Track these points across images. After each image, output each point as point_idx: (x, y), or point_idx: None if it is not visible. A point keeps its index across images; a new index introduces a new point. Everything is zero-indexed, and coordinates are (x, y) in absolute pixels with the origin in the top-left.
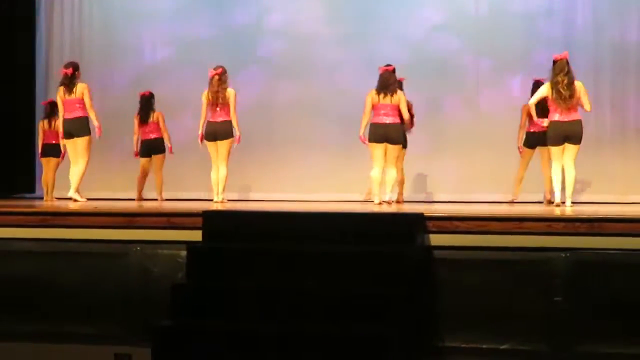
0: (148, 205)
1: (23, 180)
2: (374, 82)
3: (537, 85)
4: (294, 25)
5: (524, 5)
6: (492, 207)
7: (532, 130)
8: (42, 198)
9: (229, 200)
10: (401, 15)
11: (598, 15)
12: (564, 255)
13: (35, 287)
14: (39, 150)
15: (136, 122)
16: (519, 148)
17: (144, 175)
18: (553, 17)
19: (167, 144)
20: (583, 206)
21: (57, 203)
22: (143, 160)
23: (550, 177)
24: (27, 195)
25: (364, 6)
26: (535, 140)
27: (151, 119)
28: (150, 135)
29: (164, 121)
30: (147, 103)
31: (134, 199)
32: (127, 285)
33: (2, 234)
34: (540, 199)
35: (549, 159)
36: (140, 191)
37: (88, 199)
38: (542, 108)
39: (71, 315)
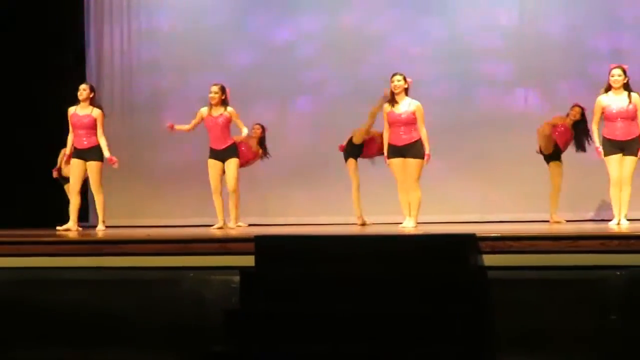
0: (200, 232)
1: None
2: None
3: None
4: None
5: (565, 23)
6: (544, 226)
7: None
8: (95, 226)
9: (282, 224)
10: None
11: None
12: (618, 273)
13: (87, 315)
14: None
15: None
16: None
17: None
18: (597, 31)
19: None
20: (638, 223)
21: (109, 231)
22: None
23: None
24: (80, 223)
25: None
26: None
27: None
28: None
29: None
30: None
31: (184, 226)
32: (181, 311)
33: (54, 264)
34: (593, 217)
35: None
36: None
37: (140, 227)
38: None
39: (124, 343)
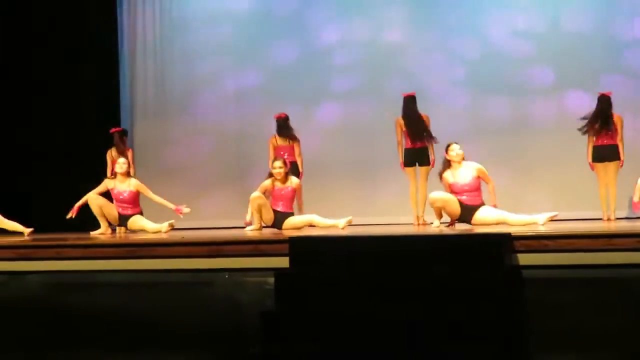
0: (234, 234)
1: None
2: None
3: (601, 99)
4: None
5: (594, 17)
6: (580, 225)
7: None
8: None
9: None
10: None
11: None
12: None
13: (122, 318)
14: None
15: (271, 146)
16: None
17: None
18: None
19: (299, 169)
20: None
21: (143, 235)
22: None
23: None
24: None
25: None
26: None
27: (288, 142)
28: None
29: (299, 146)
30: (284, 125)
31: (218, 228)
32: (216, 313)
33: (88, 267)
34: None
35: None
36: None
37: (175, 229)
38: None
39: (159, 345)
